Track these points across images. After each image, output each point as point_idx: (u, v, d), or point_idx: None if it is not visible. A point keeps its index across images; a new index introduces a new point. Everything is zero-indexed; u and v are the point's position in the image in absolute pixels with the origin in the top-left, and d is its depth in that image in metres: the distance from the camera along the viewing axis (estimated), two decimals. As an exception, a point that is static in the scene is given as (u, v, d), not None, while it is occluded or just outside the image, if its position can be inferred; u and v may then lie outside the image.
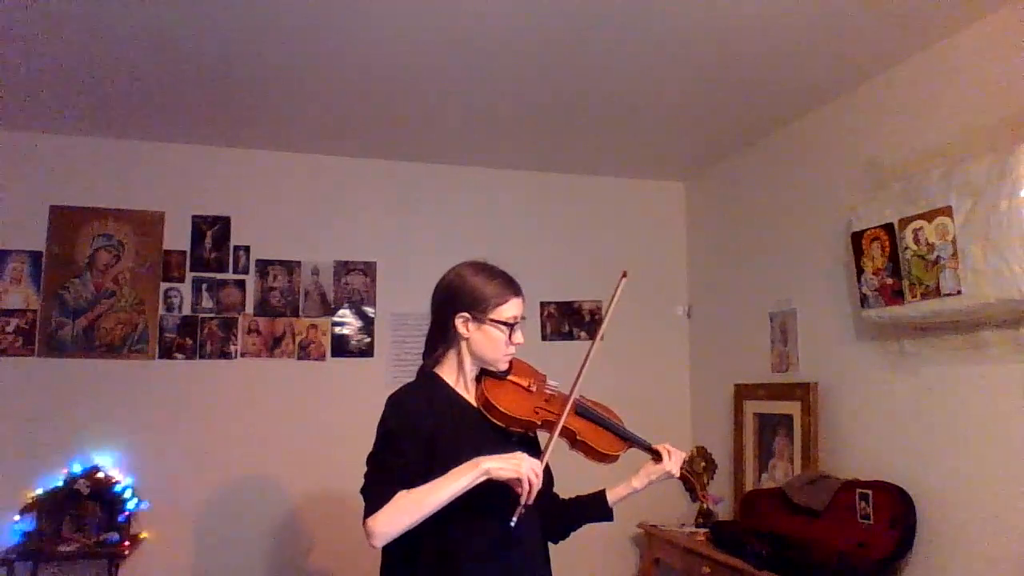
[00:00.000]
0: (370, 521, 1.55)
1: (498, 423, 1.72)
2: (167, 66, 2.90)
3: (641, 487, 1.86)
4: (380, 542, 1.56)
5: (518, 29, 2.62)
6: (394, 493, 1.55)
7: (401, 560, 1.67)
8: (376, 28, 2.62)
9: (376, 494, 1.57)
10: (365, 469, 1.68)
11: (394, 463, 1.60)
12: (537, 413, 1.74)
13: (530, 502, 1.55)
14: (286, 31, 2.63)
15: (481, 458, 1.56)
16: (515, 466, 1.55)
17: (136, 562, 3.40)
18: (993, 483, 2.41)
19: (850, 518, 2.78)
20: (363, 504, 1.59)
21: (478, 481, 1.54)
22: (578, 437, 1.77)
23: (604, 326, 1.90)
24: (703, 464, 3.73)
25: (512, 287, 1.77)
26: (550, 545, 1.86)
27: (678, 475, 1.86)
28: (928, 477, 2.63)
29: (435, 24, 2.59)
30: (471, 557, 1.63)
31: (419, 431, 1.63)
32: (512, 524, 1.53)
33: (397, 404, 1.69)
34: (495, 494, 1.59)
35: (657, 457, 1.87)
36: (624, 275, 1.86)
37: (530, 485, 1.54)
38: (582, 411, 1.84)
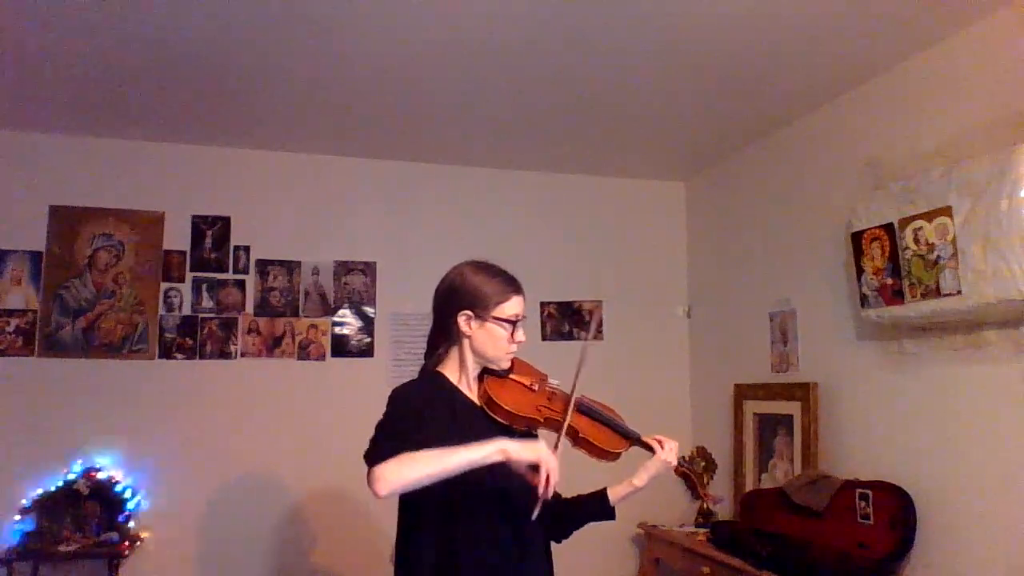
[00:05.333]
0: (376, 468, 1.51)
1: (501, 421, 1.72)
2: (167, 66, 2.90)
3: (642, 484, 1.85)
4: (384, 489, 1.50)
5: (518, 30, 2.62)
6: (401, 451, 1.52)
7: (405, 556, 1.69)
8: (376, 28, 2.62)
9: (383, 448, 1.55)
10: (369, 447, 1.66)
11: (404, 429, 1.59)
12: (540, 411, 1.75)
13: (549, 494, 1.56)
14: (287, 31, 2.63)
15: (500, 439, 1.56)
16: (535, 450, 1.56)
17: (136, 562, 3.39)
18: (993, 483, 2.41)
19: (850, 518, 2.78)
20: (364, 471, 1.57)
21: (492, 459, 1.53)
22: (580, 435, 1.78)
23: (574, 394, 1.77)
24: (703, 464, 3.76)
25: (513, 285, 1.79)
26: (551, 545, 1.86)
27: (675, 464, 1.85)
28: (928, 477, 2.63)
29: (435, 25, 2.59)
30: (475, 565, 1.64)
31: (425, 417, 1.64)
32: (534, 517, 1.55)
33: (404, 394, 1.70)
34: (504, 500, 1.60)
35: (652, 451, 1.86)
36: (585, 348, 1.75)
37: (548, 473, 1.54)
38: (584, 409, 1.85)
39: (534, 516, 1.55)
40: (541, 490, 1.55)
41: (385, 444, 1.56)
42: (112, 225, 3.65)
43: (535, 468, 1.56)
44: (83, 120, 3.47)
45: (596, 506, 1.89)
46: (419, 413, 1.64)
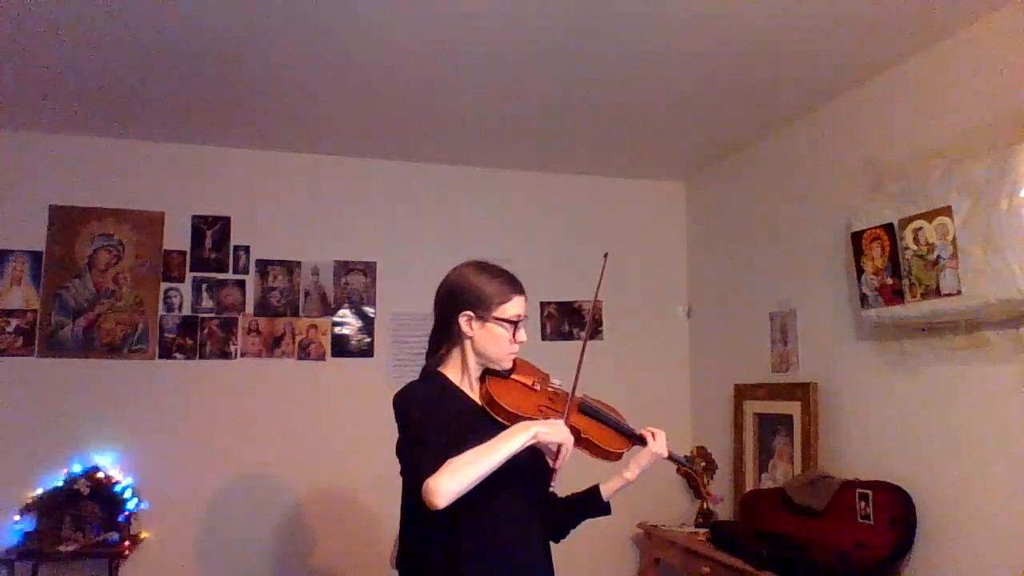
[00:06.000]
0: (430, 482, 1.51)
1: (503, 421, 1.72)
2: (167, 66, 2.90)
3: (634, 477, 1.87)
4: (445, 500, 1.51)
5: (518, 29, 2.62)
6: (443, 461, 1.53)
7: (412, 556, 1.70)
8: (376, 28, 2.62)
9: (425, 464, 1.54)
10: (399, 461, 1.67)
11: (434, 436, 1.60)
12: (541, 411, 1.75)
13: (559, 467, 1.66)
14: (286, 31, 2.63)
15: (529, 422, 1.63)
16: (562, 433, 1.64)
17: (136, 562, 3.39)
18: (993, 483, 2.41)
19: (850, 518, 2.79)
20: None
21: (528, 444, 1.59)
22: (582, 435, 1.78)
23: (592, 307, 2.00)
24: (703, 464, 3.75)
25: (515, 286, 1.80)
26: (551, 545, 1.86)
27: (665, 454, 1.87)
28: (928, 477, 2.64)
29: (435, 25, 2.59)
30: (477, 556, 1.65)
31: (442, 418, 1.65)
32: (552, 487, 1.66)
33: (412, 396, 1.70)
34: (506, 490, 1.62)
35: (643, 443, 1.87)
36: (606, 256, 1.91)
37: (564, 451, 1.63)
38: (586, 409, 1.86)
39: (552, 487, 1.65)
40: (555, 463, 1.64)
41: (425, 459, 1.55)
42: (112, 225, 3.65)
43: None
44: (83, 120, 3.46)
45: (591, 502, 1.90)
46: (436, 415, 1.65)
